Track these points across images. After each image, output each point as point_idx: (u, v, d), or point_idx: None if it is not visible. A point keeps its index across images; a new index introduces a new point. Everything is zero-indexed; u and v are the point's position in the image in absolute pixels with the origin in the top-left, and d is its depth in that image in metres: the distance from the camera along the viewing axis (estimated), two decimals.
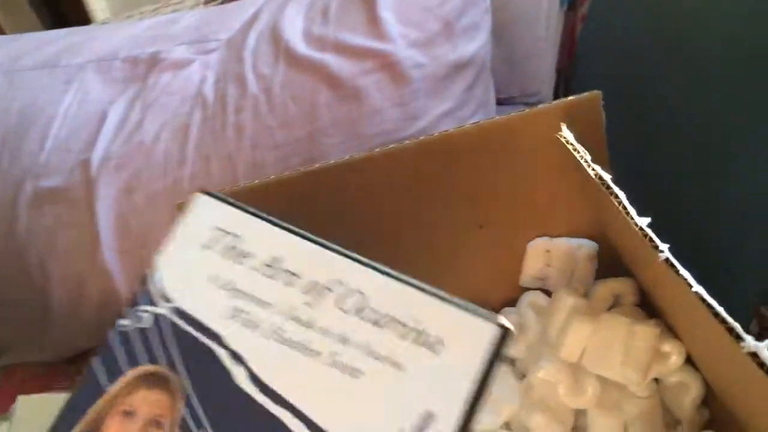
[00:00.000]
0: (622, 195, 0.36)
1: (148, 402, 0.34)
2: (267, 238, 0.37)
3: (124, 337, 0.35)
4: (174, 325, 0.35)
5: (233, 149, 0.64)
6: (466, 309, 0.33)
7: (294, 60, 0.66)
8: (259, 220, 0.37)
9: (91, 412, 0.34)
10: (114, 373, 0.34)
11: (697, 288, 0.31)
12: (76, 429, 0.34)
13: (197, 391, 0.34)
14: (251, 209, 0.38)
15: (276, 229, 0.37)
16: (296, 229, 0.37)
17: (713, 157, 0.56)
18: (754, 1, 0.54)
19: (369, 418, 0.32)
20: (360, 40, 0.64)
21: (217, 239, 0.37)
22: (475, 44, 0.67)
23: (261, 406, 0.33)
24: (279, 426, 0.32)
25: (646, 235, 0.34)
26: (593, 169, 0.39)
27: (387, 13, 0.65)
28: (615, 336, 0.41)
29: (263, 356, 0.34)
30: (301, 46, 0.66)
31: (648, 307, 0.45)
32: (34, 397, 0.54)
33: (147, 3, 1.07)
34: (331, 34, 0.66)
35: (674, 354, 0.41)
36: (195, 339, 0.34)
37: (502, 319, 0.32)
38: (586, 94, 0.45)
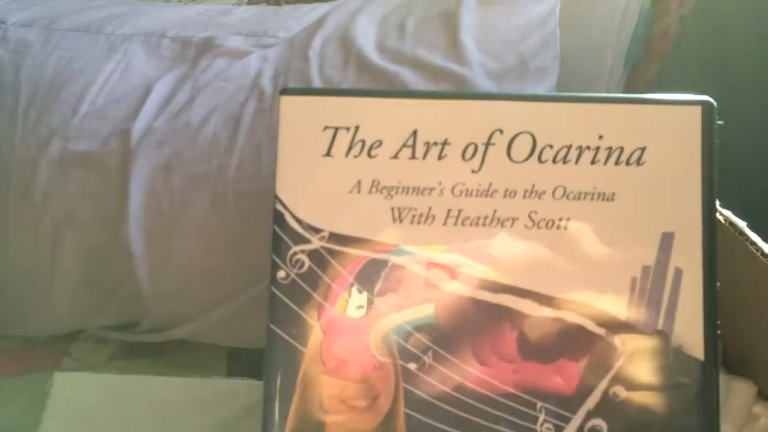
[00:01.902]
0: (760, 241, 0.36)
1: None
2: (384, 116, 0.33)
3: (291, 288, 0.31)
4: (338, 253, 0.32)
5: None
6: (653, 102, 0.30)
7: (366, 67, 0.64)
8: (363, 99, 0.34)
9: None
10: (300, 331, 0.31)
11: None
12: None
13: None
14: (345, 90, 0.35)
15: (386, 100, 0.33)
16: (409, 91, 0.34)
17: None
18: None
19: (603, 265, 0.28)
20: (438, 59, 0.64)
21: (335, 140, 0.33)
22: (544, 87, 0.67)
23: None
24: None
25: None
26: (722, 215, 0.38)
27: (468, 39, 0.65)
28: None
29: (455, 249, 0.30)
30: (374, 55, 0.65)
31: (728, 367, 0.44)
32: (72, 374, 0.50)
33: None
34: (408, 49, 0.65)
35: (764, 416, 0.40)
36: (371, 261, 0.31)
37: (699, 97, 0.29)
38: None
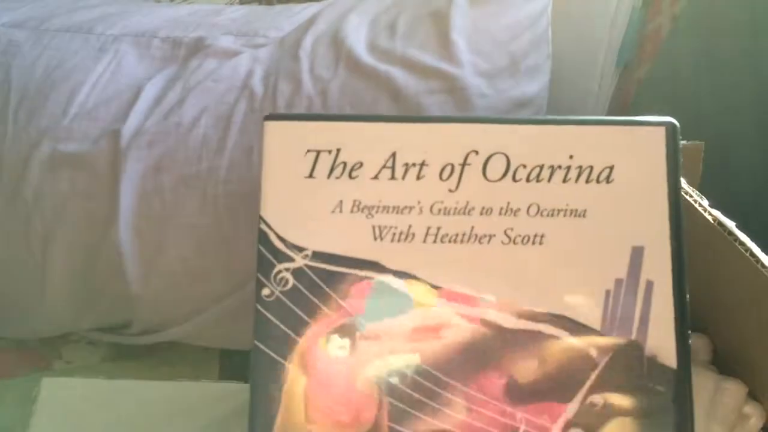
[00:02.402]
0: (749, 242, 0.35)
1: None
2: (365, 139, 0.34)
3: (276, 306, 0.32)
4: (321, 271, 0.32)
5: None
6: (622, 123, 0.31)
7: (356, 67, 0.64)
8: (344, 123, 0.35)
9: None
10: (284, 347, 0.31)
11: None
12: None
13: None
14: (326, 115, 0.36)
15: (366, 124, 0.34)
16: (388, 116, 0.35)
17: None
18: None
19: (577, 279, 0.29)
20: (429, 58, 0.63)
21: (317, 162, 0.34)
22: (536, 86, 0.66)
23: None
24: None
25: None
26: (711, 215, 0.38)
27: (459, 38, 0.64)
28: (701, 390, 0.40)
29: (434, 265, 0.31)
30: (364, 55, 0.65)
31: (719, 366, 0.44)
32: (60, 380, 0.49)
33: None
34: (399, 49, 0.65)
35: (754, 416, 0.40)
36: (350, 277, 0.32)
37: (663, 118, 0.30)
38: (690, 142, 0.45)
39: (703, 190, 0.47)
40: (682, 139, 0.47)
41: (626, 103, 0.70)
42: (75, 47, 0.73)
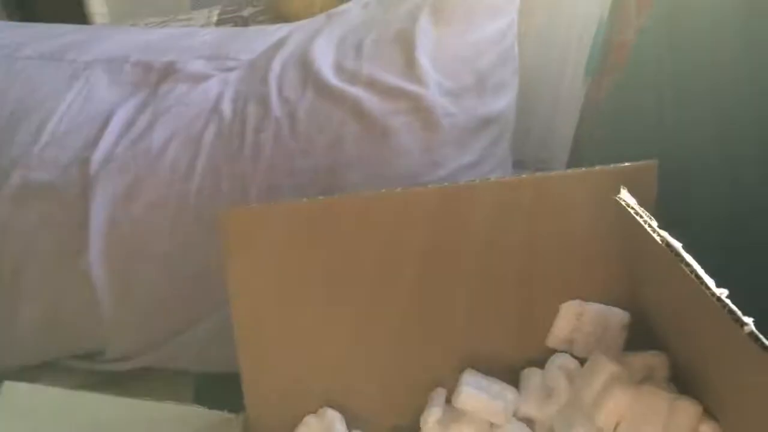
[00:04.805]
0: (694, 263, 0.36)
1: None
2: None
3: None
4: None
5: (248, 169, 0.62)
6: None
7: (323, 89, 0.64)
8: None
9: None
10: None
11: None
12: None
13: None
14: None
15: None
16: None
17: (742, 240, 0.57)
18: None
19: None
20: (394, 79, 0.64)
21: None
22: (503, 102, 0.67)
23: None
24: None
25: (725, 306, 0.33)
26: (659, 235, 0.38)
27: (424, 58, 0.65)
28: (656, 409, 0.40)
29: None
30: (331, 77, 0.65)
31: (678, 385, 0.44)
32: (21, 385, 0.49)
33: (153, 15, 1.05)
34: (365, 70, 0.65)
35: None
36: None
37: None
38: (642, 162, 0.45)
39: (662, 200, 0.47)
40: (644, 155, 0.48)
41: (595, 113, 0.71)
42: (47, 75, 0.73)
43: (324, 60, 0.67)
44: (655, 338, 0.46)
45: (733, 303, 0.33)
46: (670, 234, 0.38)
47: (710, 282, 0.34)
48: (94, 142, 0.65)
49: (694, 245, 0.38)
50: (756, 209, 0.58)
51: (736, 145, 0.60)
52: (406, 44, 0.66)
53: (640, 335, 0.47)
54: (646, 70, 0.66)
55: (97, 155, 0.64)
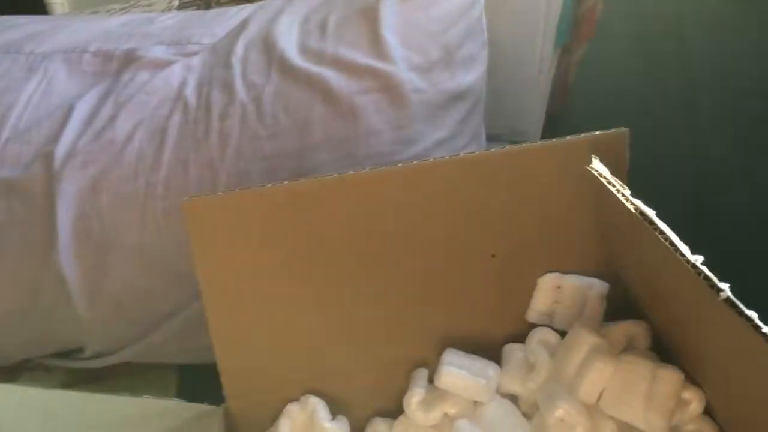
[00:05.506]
0: (669, 231, 0.35)
1: None
2: None
3: None
4: None
5: (216, 157, 0.61)
6: None
7: (288, 71, 0.63)
8: None
9: None
10: None
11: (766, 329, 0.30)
12: None
13: None
14: None
15: None
16: None
17: (710, 208, 0.57)
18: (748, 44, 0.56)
19: None
20: (360, 57, 0.62)
21: None
22: (472, 76, 0.66)
23: None
24: None
25: (700, 273, 0.33)
26: (632, 204, 0.38)
27: (389, 34, 0.63)
28: (638, 379, 0.40)
29: None
30: (296, 58, 0.64)
31: (659, 353, 0.44)
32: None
33: (114, 1, 1.02)
34: (330, 49, 0.64)
35: (694, 401, 0.40)
36: None
37: None
38: (612, 130, 0.44)
39: (633, 169, 0.46)
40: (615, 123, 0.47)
41: (566, 84, 0.70)
42: (4, 69, 0.71)
43: (288, 40, 0.66)
44: (635, 307, 0.46)
45: (710, 270, 0.32)
46: (644, 202, 0.38)
47: (685, 249, 0.34)
48: (56, 136, 0.63)
49: (665, 213, 0.37)
50: (724, 173, 0.58)
51: (704, 112, 0.60)
52: (371, 21, 0.65)
53: (620, 305, 0.47)
54: (615, 38, 0.66)
55: (60, 149, 0.62)
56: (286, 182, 0.47)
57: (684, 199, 0.59)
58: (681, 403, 0.40)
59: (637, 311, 0.46)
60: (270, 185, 0.47)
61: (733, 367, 0.35)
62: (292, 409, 0.50)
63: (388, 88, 0.61)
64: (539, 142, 0.46)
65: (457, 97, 0.64)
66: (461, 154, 0.48)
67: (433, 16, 0.66)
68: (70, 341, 0.66)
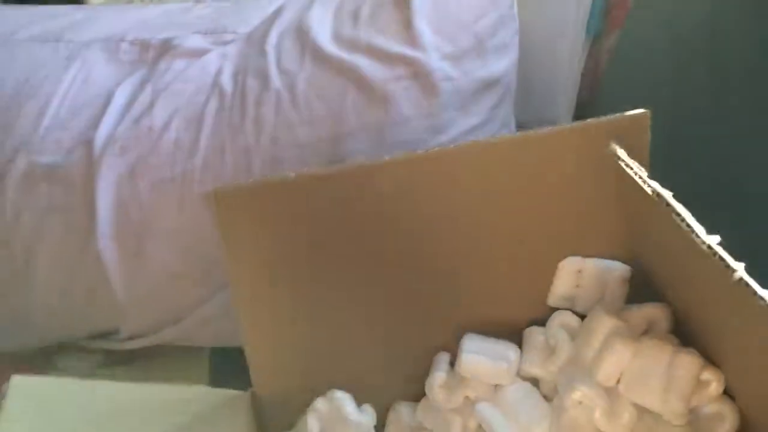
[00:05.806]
0: (686, 213, 0.35)
1: None
2: None
3: None
4: None
5: (251, 143, 0.62)
6: None
7: (322, 58, 0.64)
8: None
9: None
10: None
11: None
12: None
13: None
14: None
15: None
16: None
17: (740, 197, 0.57)
18: None
19: None
20: (393, 45, 0.63)
21: None
22: (504, 64, 0.66)
23: None
24: None
25: (715, 254, 0.33)
26: (650, 187, 0.38)
27: (422, 23, 0.64)
28: (656, 363, 0.40)
29: None
30: (329, 46, 0.65)
31: (679, 336, 0.45)
32: (30, 378, 0.50)
33: None
34: (363, 37, 0.64)
35: (714, 382, 0.40)
36: None
37: None
38: (634, 112, 0.45)
39: (655, 154, 0.46)
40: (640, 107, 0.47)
41: (597, 73, 0.70)
42: (44, 57, 0.73)
43: (321, 29, 0.67)
44: (655, 291, 0.46)
45: (727, 251, 0.33)
46: (663, 185, 0.38)
47: (701, 230, 0.34)
48: (96, 123, 0.65)
49: (685, 194, 0.38)
50: (747, 157, 0.57)
51: (731, 96, 0.60)
52: (403, 10, 0.65)
53: (641, 288, 0.47)
54: (648, 26, 0.65)
55: (100, 136, 0.64)
56: (313, 169, 0.48)
57: (719, 188, 0.59)
58: (700, 385, 0.40)
59: (657, 294, 0.46)
60: (294, 174, 0.47)
61: (750, 348, 0.36)
62: (319, 405, 0.50)
63: (420, 75, 0.62)
64: (558, 126, 0.47)
65: (488, 85, 0.65)
66: (481, 139, 0.49)
67: (465, 5, 0.66)
68: (107, 323, 0.68)
